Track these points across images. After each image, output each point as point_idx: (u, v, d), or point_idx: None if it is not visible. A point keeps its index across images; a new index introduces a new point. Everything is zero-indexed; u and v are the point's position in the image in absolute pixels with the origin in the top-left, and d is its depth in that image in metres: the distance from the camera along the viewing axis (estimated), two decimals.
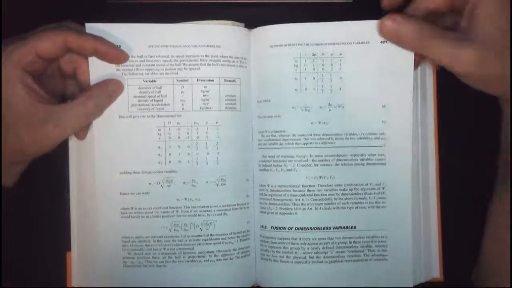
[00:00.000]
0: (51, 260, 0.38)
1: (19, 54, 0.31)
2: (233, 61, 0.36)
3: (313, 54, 0.35)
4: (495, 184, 0.35)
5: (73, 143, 0.36)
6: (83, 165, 0.36)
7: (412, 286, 0.35)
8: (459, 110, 0.39)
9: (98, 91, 0.34)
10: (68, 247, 0.37)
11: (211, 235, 0.36)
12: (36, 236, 0.39)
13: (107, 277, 0.35)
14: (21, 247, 0.39)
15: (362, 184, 0.36)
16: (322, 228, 0.36)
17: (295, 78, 0.36)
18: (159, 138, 0.35)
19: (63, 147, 0.36)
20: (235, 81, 0.36)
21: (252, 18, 0.37)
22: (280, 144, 0.36)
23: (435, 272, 0.37)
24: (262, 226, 0.37)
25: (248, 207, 0.37)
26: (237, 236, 0.36)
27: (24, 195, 0.39)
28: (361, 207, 0.36)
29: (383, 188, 0.36)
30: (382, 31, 0.33)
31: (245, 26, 0.37)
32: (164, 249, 0.35)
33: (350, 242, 0.36)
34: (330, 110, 0.36)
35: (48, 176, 0.39)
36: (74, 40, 0.32)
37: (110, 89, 0.34)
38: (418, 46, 0.32)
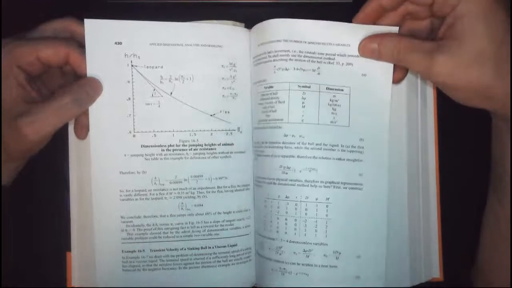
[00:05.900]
0: (51, 260, 0.38)
1: (20, 52, 0.31)
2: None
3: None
4: (488, 194, 0.35)
5: (73, 143, 0.36)
6: (83, 165, 0.36)
7: (410, 286, 0.35)
8: (459, 111, 0.39)
9: (75, 86, 0.33)
10: (68, 247, 0.37)
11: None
12: (36, 236, 0.39)
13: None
14: (21, 247, 0.39)
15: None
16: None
17: None
18: None
19: (63, 147, 0.36)
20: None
21: (252, 18, 0.37)
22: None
23: (435, 272, 0.37)
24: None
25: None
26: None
27: (24, 194, 0.39)
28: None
29: None
30: (364, 52, 0.34)
31: (245, 26, 0.37)
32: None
33: None
34: None
35: (48, 176, 0.39)
36: (75, 59, 0.33)
37: (88, 87, 0.34)
38: (397, 60, 0.33)
